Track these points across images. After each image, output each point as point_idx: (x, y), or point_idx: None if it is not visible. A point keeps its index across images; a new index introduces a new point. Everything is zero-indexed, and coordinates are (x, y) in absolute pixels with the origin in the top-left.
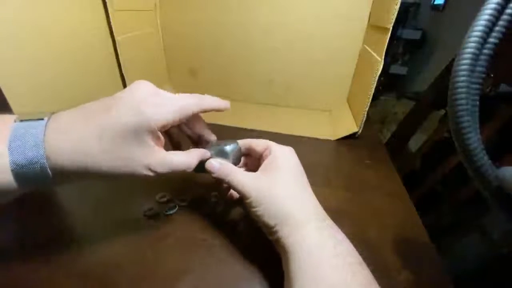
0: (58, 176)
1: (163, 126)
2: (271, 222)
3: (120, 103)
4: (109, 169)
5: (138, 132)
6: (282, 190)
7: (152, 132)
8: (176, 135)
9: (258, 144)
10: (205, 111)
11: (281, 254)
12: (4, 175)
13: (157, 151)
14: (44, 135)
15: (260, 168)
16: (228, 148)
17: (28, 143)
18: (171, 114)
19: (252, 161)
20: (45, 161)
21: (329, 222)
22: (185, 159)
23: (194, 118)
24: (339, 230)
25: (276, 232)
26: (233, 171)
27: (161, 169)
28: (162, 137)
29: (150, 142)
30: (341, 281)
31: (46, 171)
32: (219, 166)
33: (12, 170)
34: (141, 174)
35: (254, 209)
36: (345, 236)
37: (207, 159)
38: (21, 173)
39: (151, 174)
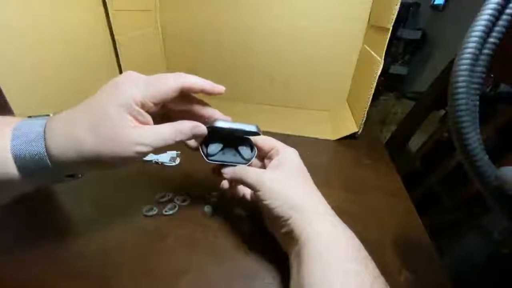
0: (58, 166)
1: (142, 103)
2: (286, 214)
3: (102, 88)
4: (101, 152)
5: (118, 111)
6: (293, 185)
7: (130, 109)
8: None
9: (264, 143)
10: (189, 90)
11: (290, 246)
12: (7, 169)
13: (143, 127)
14: (45, 131)
15: (268, 166)
16: (249, 154)
17: (30, 138)
18: (146, 88)
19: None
20: (44, 151)
21: (338, 218)
22: (175, 125)
23: (185, 100)
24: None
25: (289, 224)
26: (245, 169)
27: (150, 140)
28: (148, 117)
29: (132, 119)
30: (359, 270)
31: (45, 162)
32: (233, 171)
33: (15, 163)
34: (134, 151)
35: (267, 202)
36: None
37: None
38: (23, 165)
39: (144, 149)
